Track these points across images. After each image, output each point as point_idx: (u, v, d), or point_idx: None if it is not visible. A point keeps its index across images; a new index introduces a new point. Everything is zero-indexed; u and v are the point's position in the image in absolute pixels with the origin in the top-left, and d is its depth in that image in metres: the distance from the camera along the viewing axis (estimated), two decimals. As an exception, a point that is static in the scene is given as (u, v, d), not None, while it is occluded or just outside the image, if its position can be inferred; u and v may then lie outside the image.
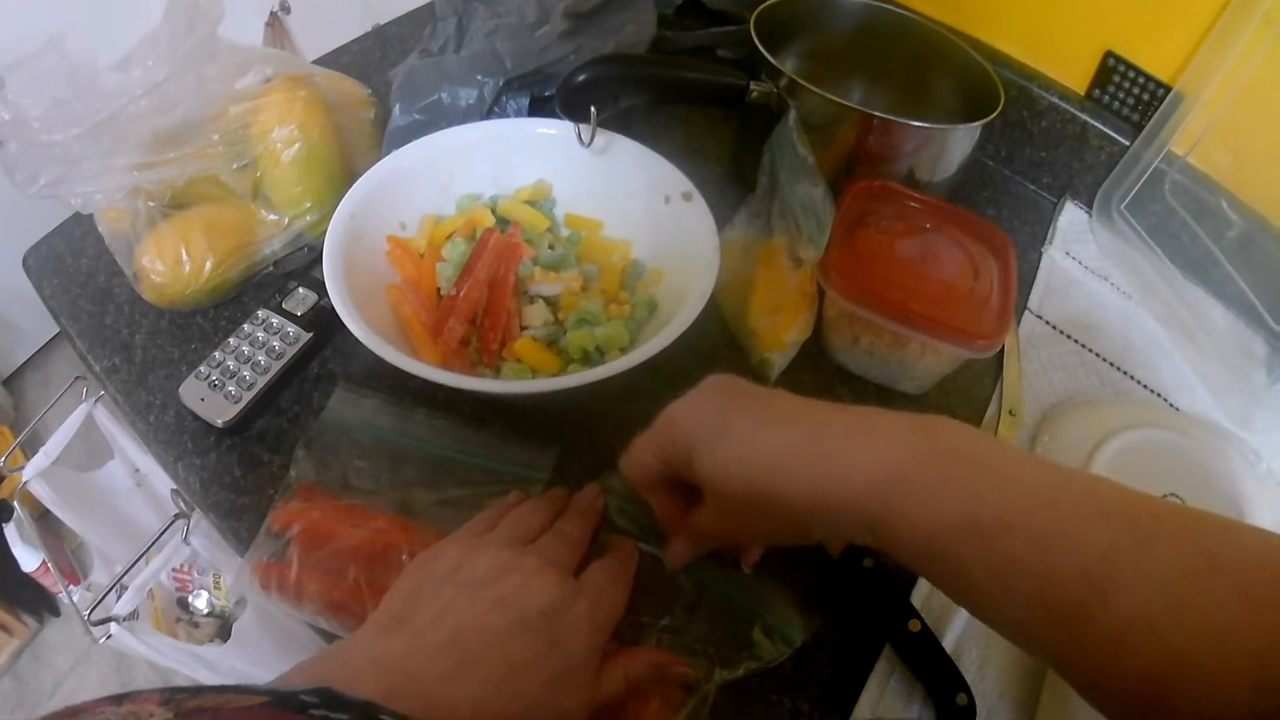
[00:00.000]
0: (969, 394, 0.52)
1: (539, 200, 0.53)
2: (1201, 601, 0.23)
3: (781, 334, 0.47)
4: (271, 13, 1.26)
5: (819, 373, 0.51)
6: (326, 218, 0.46)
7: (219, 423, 0.44)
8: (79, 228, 0.56)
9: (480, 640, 0.30)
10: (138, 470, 0.73)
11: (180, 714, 0.18)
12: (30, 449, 0.67)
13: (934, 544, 0.28)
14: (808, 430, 0.31)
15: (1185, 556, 0.24)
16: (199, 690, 0.19)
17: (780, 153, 0.48)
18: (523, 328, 0.47)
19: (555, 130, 0.51)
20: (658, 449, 0.36)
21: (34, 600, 1.21)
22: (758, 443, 0.32)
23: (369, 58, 0.71)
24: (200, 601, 0.90)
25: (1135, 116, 0.62)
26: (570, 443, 0.46)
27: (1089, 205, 0.65)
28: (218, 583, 0.88)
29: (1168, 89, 0.59)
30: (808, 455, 0.31)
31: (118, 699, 0.19)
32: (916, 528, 0.28)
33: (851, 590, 0.41)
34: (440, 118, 0.52)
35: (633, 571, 0.39)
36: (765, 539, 0.35)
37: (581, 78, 0.46)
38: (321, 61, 0.70)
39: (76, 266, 0.55)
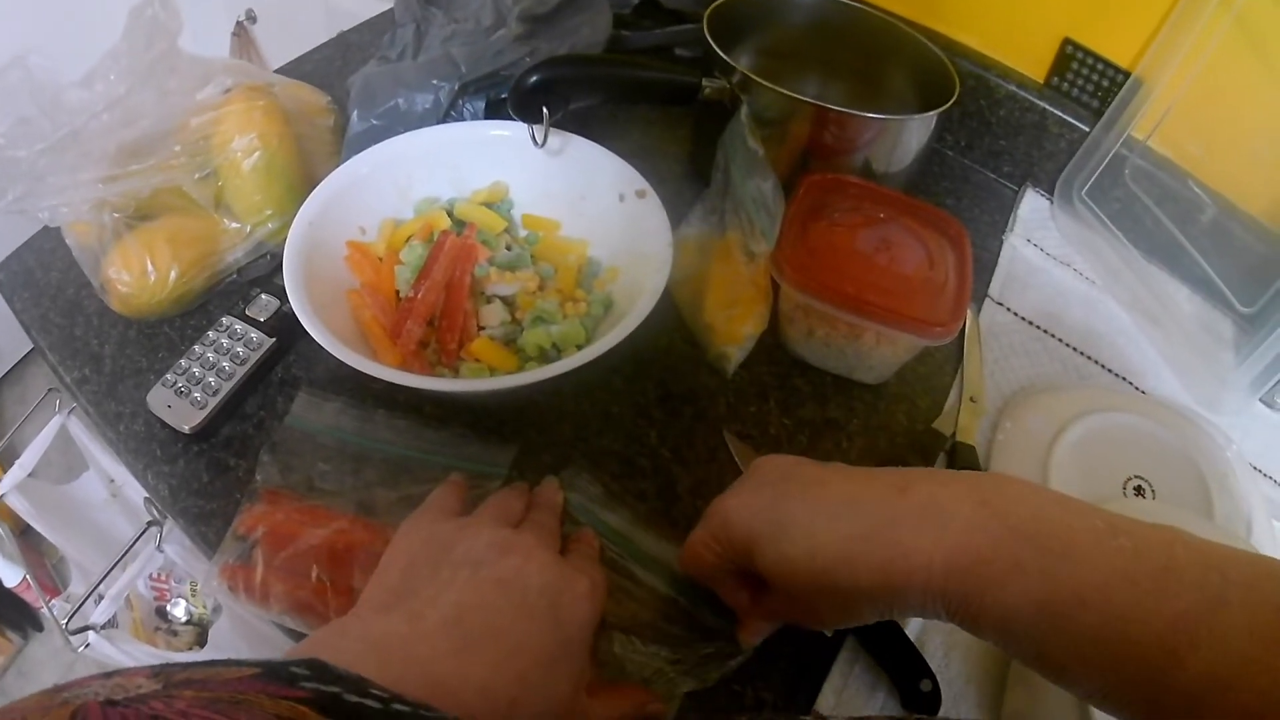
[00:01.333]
0: (929, 382, 0.52)
1: (495, 202, 0.53)
2: (1271, 660, 0.24)
3: (737, 328, 0.48)
4: (238, 22, 1.27)
5: (776, 365, 0.51)
6: (288, 225, 0.47)
7: (186, 429, 0.45)
8: (48, 241, 0.57)
9: (482, 621, 0.30)
10: (113, 481, 0.73)
11: (170, 684, 0.18)
12: (7, 463, 0.68)
13: (1010, 623, 0.28)
14: (871, 514, 0.31)
15: (1254, 614, 0.25)
16: (189, 664, 0.19)
17: (732, 148, 0.48)
18: (480, 328, 0.47)
19: (510, 132, 0.52)
20: (716, 544, 0.35)
21: (17, 616, 1.20)
22: (820, 534, 0.31)
23: (331, 65, 0.71)
24: (178, 610, 0.90)
25: (1095, 103, 0.62)
26: (528, 440, 0.46)
27: (1050, 192, 0.66)
28: (194, 591, 0.88)
29: (1127, 74, 0.59)
30: (876, 543, 0.30)
31: (107, 674, 0.19)
32: (992, 609, 0.28)
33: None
34: (398, 123, 0.53)
35: (598, 559, 0.39)
36: (840, 622, 0.34)
37: (533, 79, 0.47)
38: (284, 70, 0.70)
39: (46, 280, 0.55)
